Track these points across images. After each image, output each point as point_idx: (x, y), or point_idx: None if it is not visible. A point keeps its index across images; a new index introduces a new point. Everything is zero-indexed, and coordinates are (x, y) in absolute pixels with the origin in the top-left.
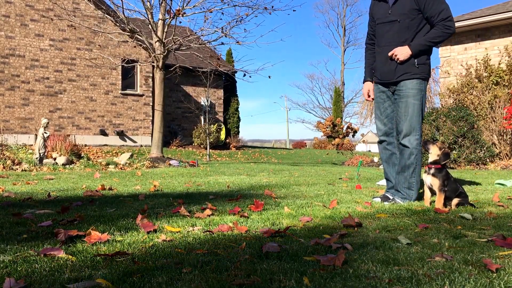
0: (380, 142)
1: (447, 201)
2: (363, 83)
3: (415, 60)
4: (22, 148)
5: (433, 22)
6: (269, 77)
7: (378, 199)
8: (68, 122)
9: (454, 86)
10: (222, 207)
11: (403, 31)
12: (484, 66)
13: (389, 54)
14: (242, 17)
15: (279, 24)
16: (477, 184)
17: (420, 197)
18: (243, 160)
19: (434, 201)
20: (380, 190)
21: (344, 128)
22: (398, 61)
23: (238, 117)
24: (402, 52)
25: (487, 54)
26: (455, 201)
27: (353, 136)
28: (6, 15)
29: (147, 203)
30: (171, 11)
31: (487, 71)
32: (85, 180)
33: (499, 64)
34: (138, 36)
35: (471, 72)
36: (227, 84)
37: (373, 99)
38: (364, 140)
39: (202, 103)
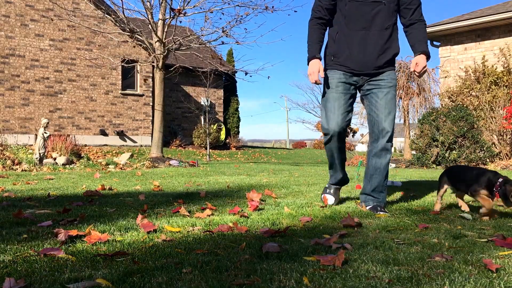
0: (330, 139)
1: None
2: (310, 61)
3: (395, 52)
4: (22, 148)
5: (409, 13)
6: (268, 77)
7: (332, 199)
8: (68, 122)
9: (453, 87)
10: (222, 207)
11: (387, 17)
12: (482, 68)
13: (419, 70)
14: (242, 17)
15: (279, 24)
16: None
17: (418, 197)
18: (243, 160)
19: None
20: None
21: None
22: (420, 72)
23: (238, 117)
24: (425, 63)
25: (483, 56)
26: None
27: (352, 136)
28: (6, 15)
29: (147, 203)
30: (173, 10)
31: (484, 72)
32: (85, 180)
33: (495, 66)
34: (138, 36)
35: (469, 74)
36: (227, 84)
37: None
38: (362, 142)
39: (202, 103)
